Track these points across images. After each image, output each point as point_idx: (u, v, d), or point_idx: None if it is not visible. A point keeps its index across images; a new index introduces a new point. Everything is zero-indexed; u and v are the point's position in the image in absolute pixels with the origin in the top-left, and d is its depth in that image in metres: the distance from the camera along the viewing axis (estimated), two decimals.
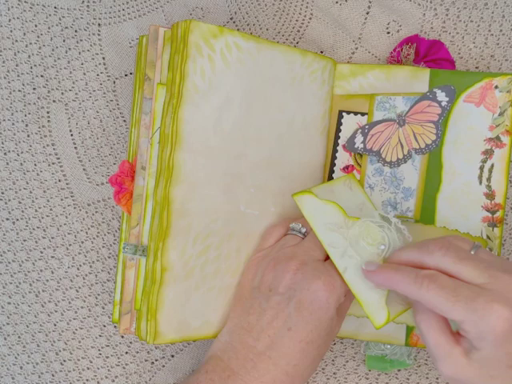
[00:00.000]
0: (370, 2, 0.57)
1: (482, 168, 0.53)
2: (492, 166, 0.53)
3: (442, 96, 0.53)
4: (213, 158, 0.49)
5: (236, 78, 0.49)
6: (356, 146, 0.55)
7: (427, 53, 0.55)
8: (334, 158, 0.56)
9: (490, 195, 0.53)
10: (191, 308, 0.49)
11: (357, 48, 0.57)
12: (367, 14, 0.57)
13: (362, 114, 0.55)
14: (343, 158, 0.56)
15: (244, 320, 0.48)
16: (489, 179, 0.53)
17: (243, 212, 0.51)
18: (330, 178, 0.56)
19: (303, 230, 0.50)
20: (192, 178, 0.48)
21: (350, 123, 0.55)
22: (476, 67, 0.56)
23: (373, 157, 0.55)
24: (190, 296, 0.49)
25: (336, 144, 0.56)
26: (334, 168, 0.56)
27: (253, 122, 0.51)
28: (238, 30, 0.58)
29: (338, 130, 0.56)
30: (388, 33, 0.57)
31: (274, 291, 0.47)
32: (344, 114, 0.55)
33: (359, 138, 0.55)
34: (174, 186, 0.47)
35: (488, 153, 0.53)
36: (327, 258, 0.49)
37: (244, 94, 0.50)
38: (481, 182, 0.53)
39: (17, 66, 0.58)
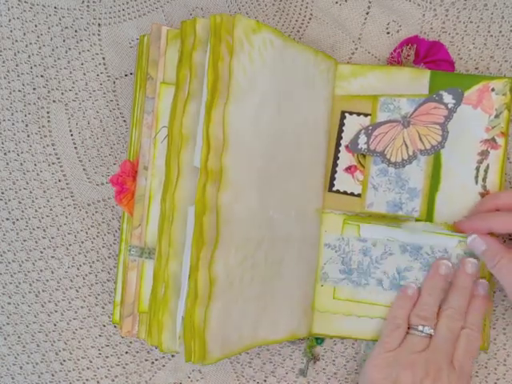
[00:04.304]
0: (370, 2, 0.59)
1: (477, 168, 0.55)
2: (487, 166, 0.55)
3: (448, 98, 0.55)
4: (251, 159, 0.48)
5: (270, 76, 0.49)
6: (359, 147, 0.56)
7: (427, 54, 0.57)
8: (336, 158, 0.57)
9: (486, 195, 0.55)
10: (231, 322, 0.48)
11: (357, 48, 0.59)
12: (367, 14, 0.59)
13: (365, 115, 0.57)
14: (346, 158, 0.57)
15: None
16: (484, 179, 0.55)
17: (271, 217, 0.51)
18: (333, 178, 0.57)
19: (432, 333, 0.54)
20: (236, 182, 0.47)
21: (352, 124, 0.57)
22: (476, 68, 0.58)
23: (377, 157, 0.56)
24: (231, 309, 0.48)
25: (338, 145, 0.57)
26: (337, 168, 0.57)
27: (280, 123, 0.51)
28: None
29: (341, 131, 0.57)
30: (388, 33, 0.59)
31: None
32: (347, 114, 0.57)
33: (363, 139, 0.56)
34: (223, 191, 0.46)
35: (484, 154, 0.55)
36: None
37: (275, 93, 0.50)
38: (477, 182, 0.55)
39: (17, 66, 0.60)
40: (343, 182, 0.57)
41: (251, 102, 0.48)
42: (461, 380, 0.52)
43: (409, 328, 0.54)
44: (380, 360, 0.54)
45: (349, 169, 0.57)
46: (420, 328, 0.54)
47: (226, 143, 0.46)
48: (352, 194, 0.57)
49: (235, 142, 0.47)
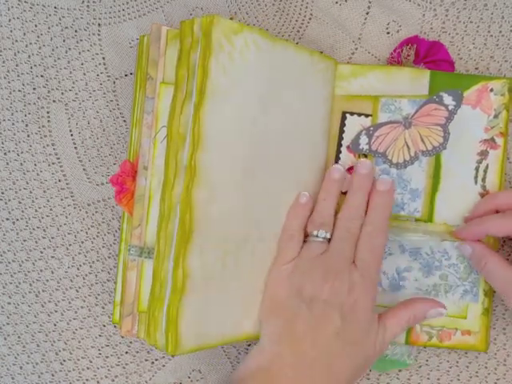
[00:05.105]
0: (370, 2, 0.59)
1: (477, 169, 0.56)
2: (487, 166, 0.55)
3: (448, 100, 0.55)
4: (233, 158, 0.49)
5: (254, 77, 0.50)
6: (361, 147, 0.57)
7: (427, 54, 0.57)
8: (337, 159, 0.58)
9: (485, 195, 0.55)
10: (210, 316, 0.50)
11: (356, 48, 0.59)
12: (367, 14, 0.59)
13: (366, 116, 0.57)
14: (347, 159, 0.57)
15: (291, 329, 0.50)
16: (484, 179, 0.55)
17: (257, 215, 0.52)
18: None
19: (328, 236, 0.52)
20: (213, 180, 0.48)
21: (353, 124, 0.57)
22: (476, 68, 0.58)
23: (378, 158, 0.57)
24: (209, 304, 0.49)
25: (339, 145, 0.58)
26: None
27: (267, 123, 0.51)
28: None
29: (342, 132, 0.57)
30: (388, 33, 0.59)
31: (316, 300, 0.50)
32: (347, 115, 0.57)
33: (364, 139, 0.57)
34: (196, 187, 0.47)
35: (483, 154, 0.56)
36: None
37: (260, 93, 0.50)
38: (476, 182, 0.56)
39: (17, 66, 0.61)
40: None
41: (232, 101, 0.48)
42: (365, 277, 0.51)
43: (306, 237, 0.53)
44: (278, 273, 0.52)
45: (350, 169, 0.57)
46: (315, 233, 0.52)
47: (202, 142, 0.47)
48: None
49: (214, 142, 0.48)
